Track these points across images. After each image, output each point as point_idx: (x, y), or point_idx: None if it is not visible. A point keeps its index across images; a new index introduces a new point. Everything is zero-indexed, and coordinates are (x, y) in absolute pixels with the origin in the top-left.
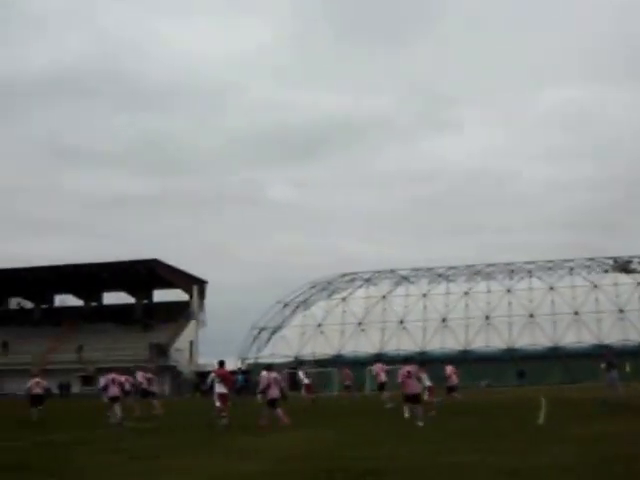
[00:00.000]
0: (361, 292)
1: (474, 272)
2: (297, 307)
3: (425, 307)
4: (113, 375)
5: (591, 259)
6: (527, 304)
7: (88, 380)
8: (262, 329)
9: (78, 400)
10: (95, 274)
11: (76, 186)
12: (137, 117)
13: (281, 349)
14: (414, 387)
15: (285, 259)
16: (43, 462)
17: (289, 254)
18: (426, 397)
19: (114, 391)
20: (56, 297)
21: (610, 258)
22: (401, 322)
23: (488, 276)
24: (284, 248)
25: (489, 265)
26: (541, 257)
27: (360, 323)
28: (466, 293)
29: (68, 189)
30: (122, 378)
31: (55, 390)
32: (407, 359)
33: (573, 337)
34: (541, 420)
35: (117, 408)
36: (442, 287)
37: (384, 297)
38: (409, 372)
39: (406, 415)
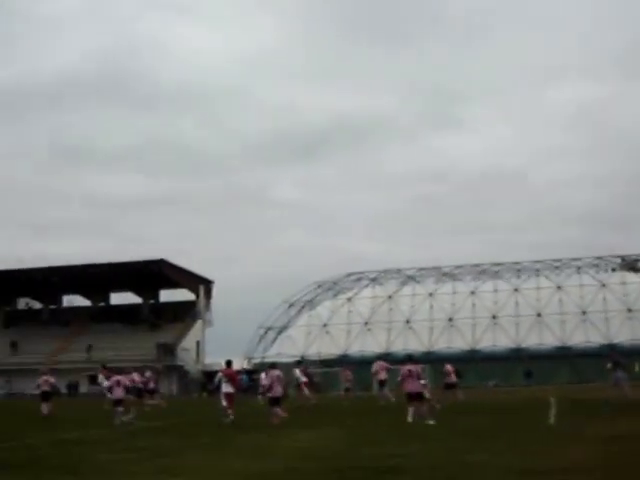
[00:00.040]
0: (367, 292)
1: (481, 271)
2: (303, 307)
3: (432, 307)
4: (118, 377)
5: (599, 258)
6: (534, 303)
7: (96, 379)
8: (268, 329)
9: (86, 399)
10: (102, 274)
11: (85, 187)
12: (146, 118)
13: (287, 349)
14: (415, 386)
15: (291, 259)
16: (57, 460)
17: (295, 254)
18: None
19: (118, 393)
20: (64, 297)
21: (618, 257)
22: (407, 322)
23: (495, 275)
24: (290, 248)
25: (496, 264)
26: (548, 256)
27: (366, 323)
28: (473, 292)
29: (77, 190)
30: (127, 380)
31: (63, 390)
32: (408, 358)
33: (581, 336)
34: (552, 420)
35: (121, 410)
36: (449, 286)
37: (390, 297)
38: (410, 371)
39: (409, 420)
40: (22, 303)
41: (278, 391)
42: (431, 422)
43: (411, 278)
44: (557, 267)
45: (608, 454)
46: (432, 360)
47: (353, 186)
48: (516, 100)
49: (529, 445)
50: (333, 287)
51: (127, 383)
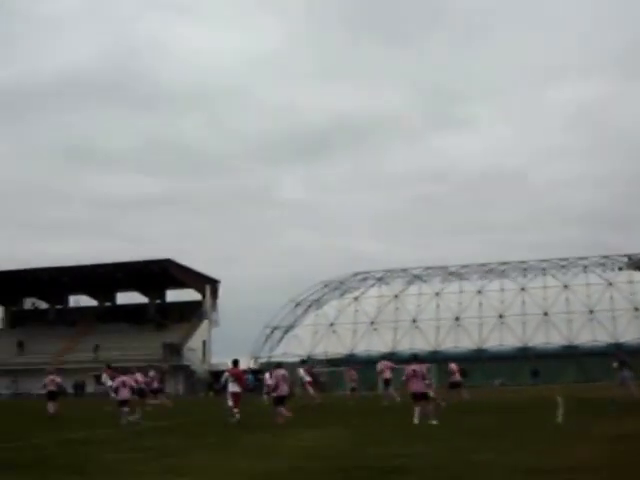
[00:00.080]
0: (373, 291)
1: (487, 270)
2: (309, 306)
3: (438, 306)
4: (123, 378)
5: (605, 257)
6: (541, 302)
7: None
8: (274, 328)
9: (92, 399)
10: (109, 274)
11: (90, 187)
12: (146, 118)
13: (293, 348)
14: (419, 386)
15: (294, 259)
16: (63, 459)
17: (297, 254)
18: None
19: (124, 394)
20: (70, 297)
21: (625, 255)
22: (414, 321)
23: (501, 274)
24: (292, 248)
25: (502, 263)
26: (555, 255)
27: (372, 322)
28: (479, 292)
29: (82, 190)
30: (132, 381)
31: (70, 389)
32: (413, 357)
33: (588, 335)
34: (560, 419)
35: (126, 410)
36: (455, 286)
37: (396, 296)
38: (414, 371)
39: (415, 421)
40: (28, 303)
41: (284, 390)
42: (434, 422)
43: (417, 277)
44: (564, 266)
45: (614, 453)
46: (438, 359)
47: (354, 186)
48: (516, 100)
49: (535, 444)
50: (340, 286)
51: (132, 384)
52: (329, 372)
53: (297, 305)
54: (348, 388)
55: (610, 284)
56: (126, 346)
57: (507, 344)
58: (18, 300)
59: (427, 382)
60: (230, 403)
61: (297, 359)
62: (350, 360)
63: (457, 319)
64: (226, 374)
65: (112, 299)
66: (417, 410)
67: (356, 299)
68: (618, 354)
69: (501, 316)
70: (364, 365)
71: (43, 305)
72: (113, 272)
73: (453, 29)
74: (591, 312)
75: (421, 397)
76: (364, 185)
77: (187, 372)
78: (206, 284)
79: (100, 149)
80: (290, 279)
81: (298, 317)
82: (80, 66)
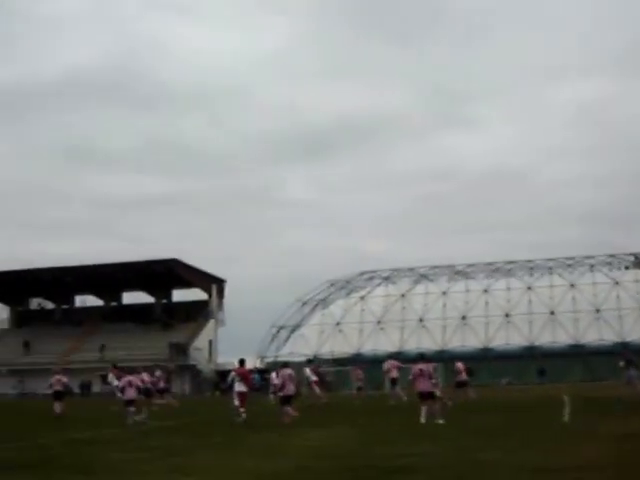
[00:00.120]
0: (380, 290)
1: (494, 269)
2: (316, 306)
3: (445, 305)
4: (130, 378)
5: (612, 256)
6: (548, 301)
7: (107, 379)
8: (281, 328)
9: (99, 399)
10: (115, 274)
11: (90, 187)
12: (146, 118)
13: (300, 348)
14: (426, 385)
15: (298, 258)
16: (69, 459)
17: (301, 253)
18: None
19: (131, 394)
20: (76, 297)
21: (631, 255)
22: (420, 320)
23: (508, 273)
24: (296, 247)
25: (509, 262)
26: (561, 254)
27: (379, 322)
28: (486, 291)
29: (82, 190)
30: (138, 381)
31: (76, 389)
32: (420, 357)
33: (594, 334)
34: (566, 418)
35: (133, 410)
36: (461, 285)
37: (403, 295)
38: (421, 370)
39: (422, 421)
40: (34, 303)
41: (290, 389)
42: (440, 421)
43: (424, 277)
44: (570, 265)
45: (621, 452)
46: (445, 359)
47: (356, 186)
48: (516, 100)
49: (542, 443)
50: (346, 286)
51: (139, 383)
52: (335, 371)
53: (303, 304)
54: (354, 387)
55: (617, 283)
56: (132, 346)
57: (513, 343)
58: (24, 300)
59: (434, 381)
60: (236, 403)
61: (303, 358)
62: (356, 359)
63: (464, 318)
64: (232, 374)
65: (118, 299)
66: (424, 409)
67: (362, 298)
68: (625, 353)
69: (507, 315)
70: (370, 364)
71: (49, 305)
72: (119, 272)
73: (453, 29)
74: (597, 311)
75: (428, 396)
76: (366, 185)
77: (193, 372)
78: (212, 284)
79: (100, 149)
80: (293, 279)
81: (304, 316)
82: (80, 66)
